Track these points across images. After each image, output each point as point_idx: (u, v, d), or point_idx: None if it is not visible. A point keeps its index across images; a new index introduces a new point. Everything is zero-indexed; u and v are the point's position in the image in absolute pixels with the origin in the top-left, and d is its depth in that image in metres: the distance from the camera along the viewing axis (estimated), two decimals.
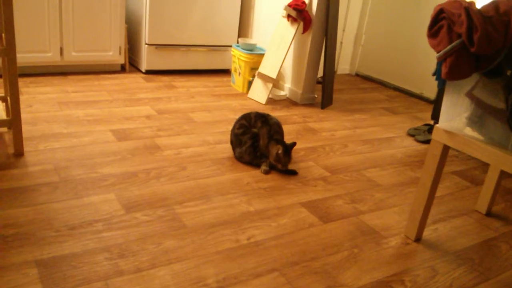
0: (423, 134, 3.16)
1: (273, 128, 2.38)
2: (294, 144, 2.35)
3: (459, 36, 1.55)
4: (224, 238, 1.77)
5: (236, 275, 1.57)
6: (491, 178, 2.17)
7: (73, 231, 1.68)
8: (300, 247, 1.77)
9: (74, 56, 3.44)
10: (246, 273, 1.58)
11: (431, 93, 4.13)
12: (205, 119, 2.97)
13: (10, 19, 1.95)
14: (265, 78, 3.44)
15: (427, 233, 1.99)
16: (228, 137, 2.71)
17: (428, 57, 4.10)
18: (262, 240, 1.79)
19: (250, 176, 2.29)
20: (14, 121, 2.12)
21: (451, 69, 1.59)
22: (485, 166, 2.81)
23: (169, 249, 1.66)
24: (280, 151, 2.28)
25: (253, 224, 1.88)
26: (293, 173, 2.37)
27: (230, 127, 2.86)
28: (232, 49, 3.74)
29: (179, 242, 1.70)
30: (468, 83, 1.67)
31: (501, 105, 1.61)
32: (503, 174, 2.16)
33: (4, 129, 2.43)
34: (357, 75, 4.89)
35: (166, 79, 3.75)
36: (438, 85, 1.72)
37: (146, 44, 3.68)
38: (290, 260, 1.69)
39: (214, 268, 1.59)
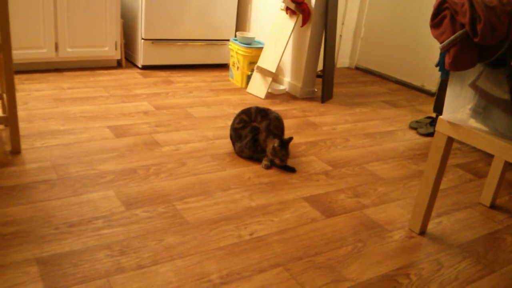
0: (425, 127, 3.13)
1: (272, 123, 2.35)
2: (290, 139, 2.28)
3: (462, 26, 1.53)
4: (226, 233, 1.74)
5: (239, 271, 1.54)
6: (494, 171, 2.15)
7: (73, 229, 1.65)
8: (304, 242, 1.75)
9: (69, 52, 3.39)
10: (250, 269, 1.56)
11: (432, 86, 4.10)
12: (203, 115, 2.94)
13: (5, 14, 1.91)
14: (264, 72, 3.41)
15: (431, 226, 1.97)
16: (227, 132, 2.68)
17: (428, 49, 4.08)
18: (264, 235, 1.76)
19: (251, 171, 2.27)
20: (10, 118, 2.09)
21: (455, 60, 1.57)
22: (488, 159, 2.79)
23: (171, 245, 1.63)
24: (276, 145, 2.24)
25: (256, 220, 1.86)
26: (292, 170, 2.32)
27: (229, 122, 2.83)
28: (230, 43, 3.70)
29: (181, 238, 1.68)
30: (471, 74, 1.64)
31: (505, 95, 1.59)
32: (507, 167, 2.14)
33: (1, 127, 2.40)
34: (356, 68, 4.86)
35: (163, 74, 3.71)
36: (442, 76, 1.69)
37: (142, 39, 3.64)
38: (293, 255, 1.67)
39: (217, 264, 1.56)
